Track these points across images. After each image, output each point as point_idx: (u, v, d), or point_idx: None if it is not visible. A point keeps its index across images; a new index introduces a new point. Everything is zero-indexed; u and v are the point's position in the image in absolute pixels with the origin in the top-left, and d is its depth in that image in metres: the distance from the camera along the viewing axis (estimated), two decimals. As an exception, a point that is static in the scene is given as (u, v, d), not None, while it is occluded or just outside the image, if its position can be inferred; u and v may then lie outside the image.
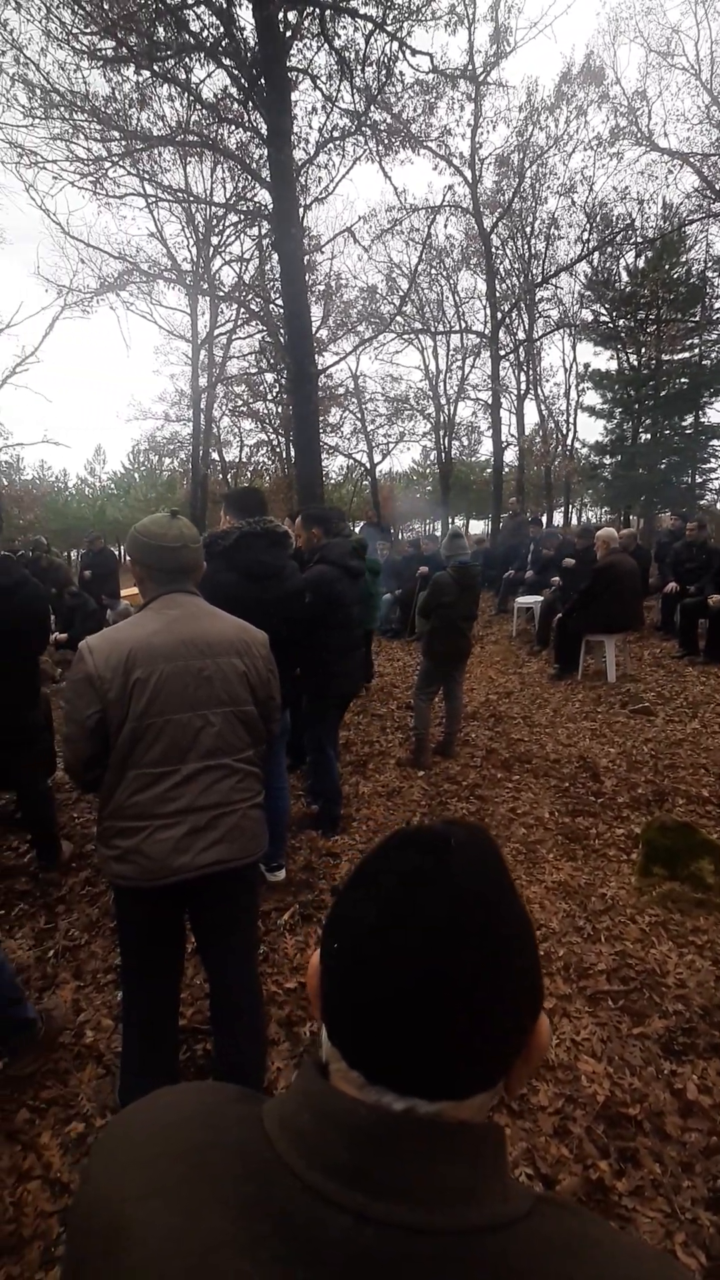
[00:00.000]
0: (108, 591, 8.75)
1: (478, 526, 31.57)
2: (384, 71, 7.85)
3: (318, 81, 8.08)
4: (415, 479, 33.03)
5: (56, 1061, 2.00)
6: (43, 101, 8.43)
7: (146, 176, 10.36)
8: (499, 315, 15.79)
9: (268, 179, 7.61)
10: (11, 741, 2.94)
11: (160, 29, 7.66)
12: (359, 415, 20.54)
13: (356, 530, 9.83)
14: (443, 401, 20.42)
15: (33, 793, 3.10)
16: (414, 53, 7.84)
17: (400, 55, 7.79)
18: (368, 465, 22.72)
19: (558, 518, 22.70)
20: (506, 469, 17.61)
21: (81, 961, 2.51)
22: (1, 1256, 1.46)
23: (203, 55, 7.21)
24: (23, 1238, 1.50)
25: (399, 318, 15.36)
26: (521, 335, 18.08)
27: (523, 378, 19.68)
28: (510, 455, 18.30)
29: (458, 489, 24.72)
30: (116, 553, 11.09)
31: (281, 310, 8.43)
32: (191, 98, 7.83)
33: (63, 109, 8.39)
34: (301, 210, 8.23)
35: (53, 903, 2.91)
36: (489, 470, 20.41)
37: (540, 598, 8.23)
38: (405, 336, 18.00)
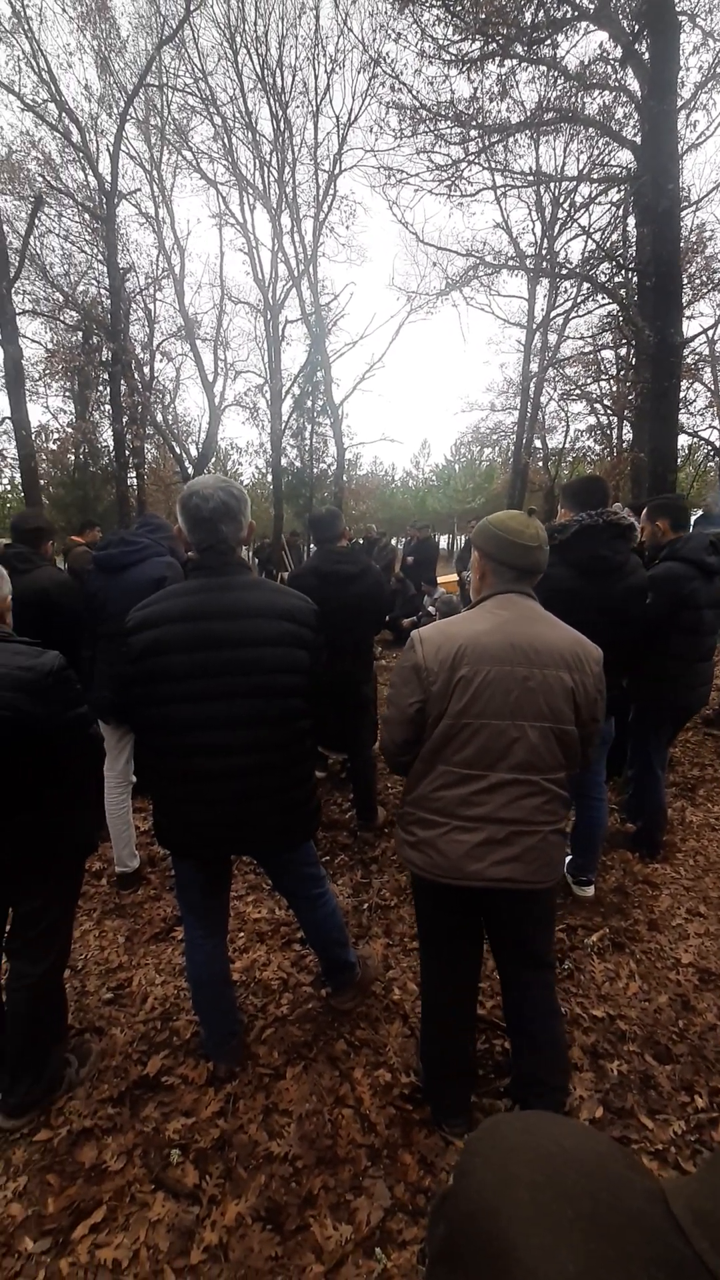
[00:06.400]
0: (427, 579, 9.27)
1: None
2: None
3: (697, 20, 7.17)
4: (779, 458, 27.47)
5: (369, 1008, 2.19)
6: (411, 119, 9.16)
7: (499, 168, 10.50)
8: None
9: (632, 139, 6.98)
10: (352, 709, 3.30)
11: (527, 13, 7.60)
12: (712, 386, 17.88)
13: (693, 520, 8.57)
14: None
15: (362, 757, 3.45)
16: None
17: None
18: (717, 444, 19.68)
19: None
20: None
21: (391, 922, 2.71)
22: (320, 1166, 1.65)
23: (576, 25, 6.88)
24: (337, 1156, 1.68)
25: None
26: None
27: None
28: None
29: None
30: (436, 541, 11.72)
31: (636, 279, 7.71)
32: (555, 74, 7.60)
33: (428, 122, 8.99)
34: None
35: (367, 860, 3.21)
36: None
37: None
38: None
